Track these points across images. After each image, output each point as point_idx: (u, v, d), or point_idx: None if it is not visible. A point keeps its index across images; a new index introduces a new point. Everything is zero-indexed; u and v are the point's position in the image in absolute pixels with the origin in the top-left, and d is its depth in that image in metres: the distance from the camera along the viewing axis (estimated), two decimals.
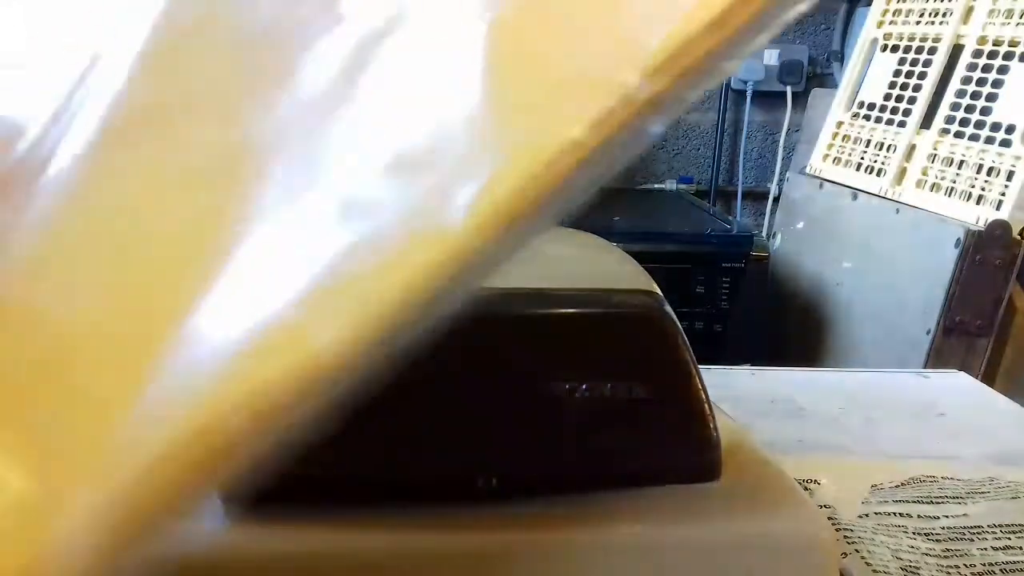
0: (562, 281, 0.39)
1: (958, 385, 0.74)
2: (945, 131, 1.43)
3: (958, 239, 1.27)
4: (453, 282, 0.19)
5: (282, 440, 0.19)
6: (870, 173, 1.56)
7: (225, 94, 0.21)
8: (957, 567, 0.45)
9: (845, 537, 0.47)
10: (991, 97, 1.36)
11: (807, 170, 1.74)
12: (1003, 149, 1.30)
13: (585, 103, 0.17)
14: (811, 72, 2.08)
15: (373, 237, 0.18)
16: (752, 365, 0.83)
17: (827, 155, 1.70)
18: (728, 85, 2.06)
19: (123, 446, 0.18)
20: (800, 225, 1.73)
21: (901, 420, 0.65)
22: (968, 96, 1.40)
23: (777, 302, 1.71)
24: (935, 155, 1.43)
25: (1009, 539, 0.47)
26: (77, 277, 0.20)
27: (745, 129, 2.11)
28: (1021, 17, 1.36)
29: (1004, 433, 0.64)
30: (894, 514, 0.50)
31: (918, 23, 1.57)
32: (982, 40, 1.41)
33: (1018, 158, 1.27)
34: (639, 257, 0.43)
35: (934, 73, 1.49)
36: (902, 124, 1.52)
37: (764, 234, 1.92)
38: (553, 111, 0.17)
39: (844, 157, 1.65)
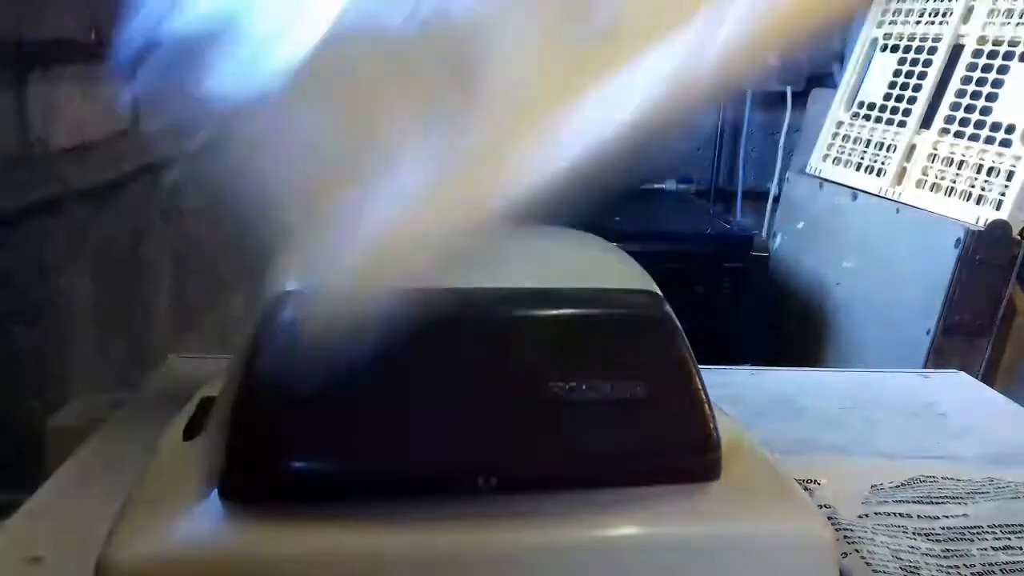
0: (562, 281, 0.39)
1: (958, 385, 0.74)
2: (945, 131, 1.42)
3: (958, 239, 1.27)
4: None
5: None
6: (870, 173, 1.56)
7: None
8: (957, 567, 0.45)
9: (845, 537, 0.47)
10: (991, 97, 1.36)
11: (807, 170, 1.74)
12: (1003, 149, 1.30)
13: None
14: (811, 72, 2.08)
15: None
16: (752, 365, 0.83)
17: (827, 155, 1.70)
18: None
19: None
20: (800, 225, 1.72)
21: (901, 420, 0.65)
22: (968, 96, 1.40)
23: (777, 302, 1.71)
24: (935, 155, 1.43)
25: (1009, 539, 0.47)
26: None
27: (745, 129, 2.11)
28: (1021, 17, 1.35)
29: (1004, 433, 0.63)
30: (894, 514, 0.50)
31: (918, 23, 1.57)
32: (982, 40, 1.41)
33: (1018, 158, 1.27)
34: (639, 257, 0.43)
35: (934, 73, 1.49)
36: (902, 124, 1.52)
37: (764, 234, 1.92)
38: None
39: (844, 157, 1.65)
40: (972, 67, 1.41)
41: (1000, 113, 1.33)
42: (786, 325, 1.71)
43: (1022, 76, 1.32)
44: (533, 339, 0.35)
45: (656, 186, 2.15)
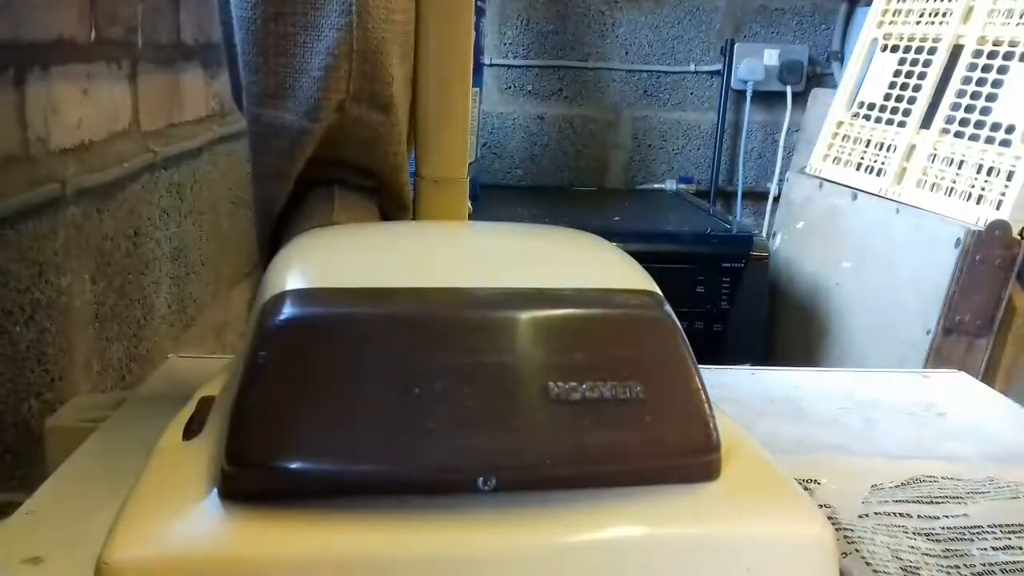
0: (563, 281, 0.39)
1: (958, 385, 0.74)
2: (945, 131, 1.42)
3: (958, 239, 1.27)
4: None
5: None
6: (870, 173, 1.56)
7: None
8: (957, 567, 0.45)
9: (845, 537, 0.47)
10: (991, 97, 1.36)
11: (807, 170, 1.74)
12: (1003, 149, 1.30)
13: None
14: (811, 72, 2.08)
15: None
16: (752, 365, 0.83)
17: (827, 155, 1.70)
18: (728, 85, 2.06)
19: None
20: (800, 225, 1.72)
21: (901, 420, 0.65)
22: (968, 96, 1.40)
23: (777, 302, 1.71)
24: (935, 155, 1.43)
25: (1009, 539, 0.47)
26: None
27: (745, 129, 2.11)
28: (1021, 17, 1.35)
29: (1004, 433, 0.64)
30: (894, 514, 0.50)
31: (918, 23, 1.57)
32: (982, 40, 1.41)
33: (1018, 158, 1.27)
34: (639, 257, 0.43)
35: (934, 73, 1.49)
36: (902, 124, 1.52)
37: (764, 234, 1.92)
38: None
39: (844, 157, 1.65)
40: (972, 67, 1.41)
41: (1000, 113, 1.33)
42: (786, 325, 1.71)
43: (1022, 76, 1.32)
44: (533, 339, 0.35)
45: (656, 186, 2.15)
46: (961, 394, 0.72)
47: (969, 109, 1.39)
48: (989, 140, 1.33)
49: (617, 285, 0.39)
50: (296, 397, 0.33)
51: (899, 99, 1.55)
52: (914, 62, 1.54)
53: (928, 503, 0.51)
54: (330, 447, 0.33)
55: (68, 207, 0.75)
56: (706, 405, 0.36)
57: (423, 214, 0.61)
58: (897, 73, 1.58)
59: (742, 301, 1.60)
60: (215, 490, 0.33)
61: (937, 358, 1.30)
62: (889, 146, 1.53)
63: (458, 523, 0.33)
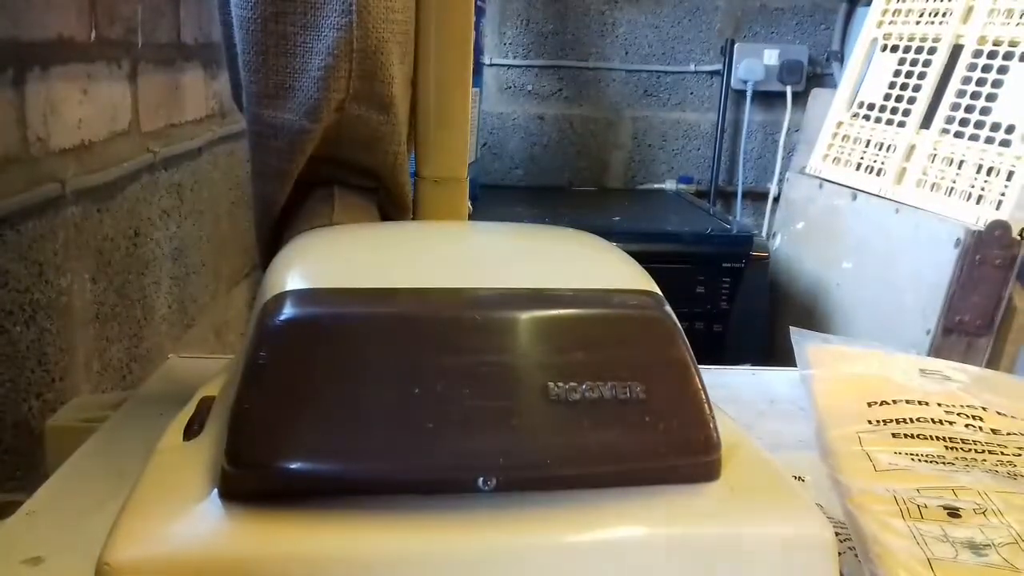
0: (563, 281, 0.39)
1: None
2: (945, 131, 1.42)
3: (958, 239, 1.27)
4: None
5: None
6: (870, 173, 1.56)
7: None
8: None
9: (837, 534, 0.47)
10: (991, 97, 1.36)
11: (807, 170, 1.74)
12: (1003, 149, 1.30)
13: None
14: (811, 72, 2.08)
15: None
16: (752, 365, 0.83)
17: (827, 155, 1.70)
18: (728, 85, 2.06)
19: None
20: (800, 225, 1.72)
21: None
22: (968, 96, 1.40)
23: (777, 302, 1.71)
24: (935, 155, 1.43)
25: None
26: None
27: (745, 129, 2.11)
28: (1021, 17, 1.35)
29: None
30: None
31: (918, 23, 1.57)
32: (982, 40, 1.41)
33: (1018, 158, 1.27)
34: (639, 257, 0.43)
35: (934, 73, 1.49)
36: (902, 124, 1.52)
37: (764, 234, 1.92)
38: None
39: (844, 157, 1.65)
40: (972, 67, 1.41)
41: (1000, 113, 1.33)
42: (786, 325, 1.71)
43: (1022, 76, 1.32)
44: (533, 339, 0.35)
45: (656, 186, 2.15)
46: None
47: (969, 109, 1.39)
48: (989, 140, 1.33)
49: (617, 285, 0.39)
50: (296, 397, 0.33)
51: (899, 99, 1.55)
52: (914, 62, 1.54)
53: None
54: (330, 447, 0.33)
55: (68, 207, 0.75)
56: (706, 405, 0.36)
57: (423, 214, 0.61)
58: (897, 73, 1.58)
59: (742, 301, 1.60)
60: (215, 490, 0.33)
61: (937, 358, 1.29)
62: (889, 146, 1.53)
63: (458, 523, 0.33)
